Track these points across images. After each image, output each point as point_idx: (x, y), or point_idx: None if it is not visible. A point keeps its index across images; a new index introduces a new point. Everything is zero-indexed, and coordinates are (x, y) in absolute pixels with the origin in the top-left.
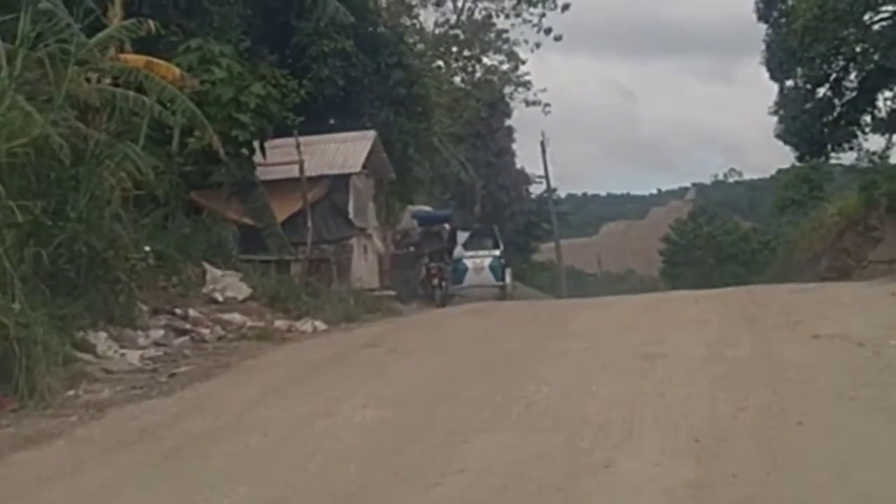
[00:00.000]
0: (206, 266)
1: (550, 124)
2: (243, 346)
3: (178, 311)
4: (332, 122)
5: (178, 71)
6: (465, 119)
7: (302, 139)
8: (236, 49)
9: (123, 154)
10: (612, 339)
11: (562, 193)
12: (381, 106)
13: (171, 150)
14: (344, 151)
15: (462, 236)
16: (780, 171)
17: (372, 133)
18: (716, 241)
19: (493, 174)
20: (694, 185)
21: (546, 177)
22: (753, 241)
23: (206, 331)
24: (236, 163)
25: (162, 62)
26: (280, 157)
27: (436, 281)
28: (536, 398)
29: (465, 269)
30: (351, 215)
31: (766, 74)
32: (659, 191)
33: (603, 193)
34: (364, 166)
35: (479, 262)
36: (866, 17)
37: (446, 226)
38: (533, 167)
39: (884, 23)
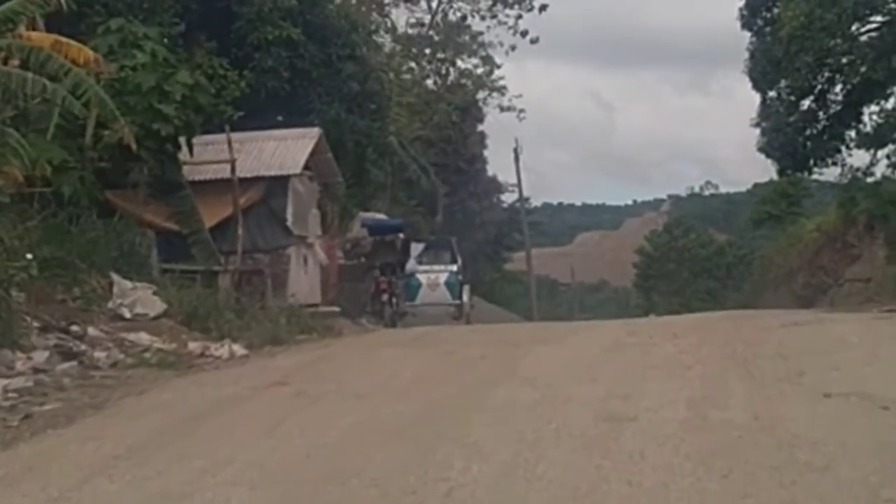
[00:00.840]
0: (114, 277)
1: (527, 132)
2: (137, 376)
3: (74, 328)
4: (278, 118)
5: (91, 54)
6: (434, 122)
7: (237, 136)
8: (168, 33)
9: (4, 143)
10: (571, 389)
11: (537, 202)
12: (332, 102)
13: (83, 143)
14: (283, 151)
15: (417, 248)
16: (756, 185)
17: (316, 131)
18: (690, 254)
19: (463, 181)
20: (670, 196)
21: (519, 185)
22: (729, 255)
23: (101, 354)
24: (158, 160)
25: (74, 43)
26: (213, 155)
27: (386, 297)
28: (463, 481)
29: (419, 285)
30: (289, 222)
31: (745, 86)
32: (634, 202)
33: (578, 203)
34: (307, 167)
35: (434, 277)
36: (854, 27)
37: (401, 235)
38: (506, 175)
39: (872, 34)
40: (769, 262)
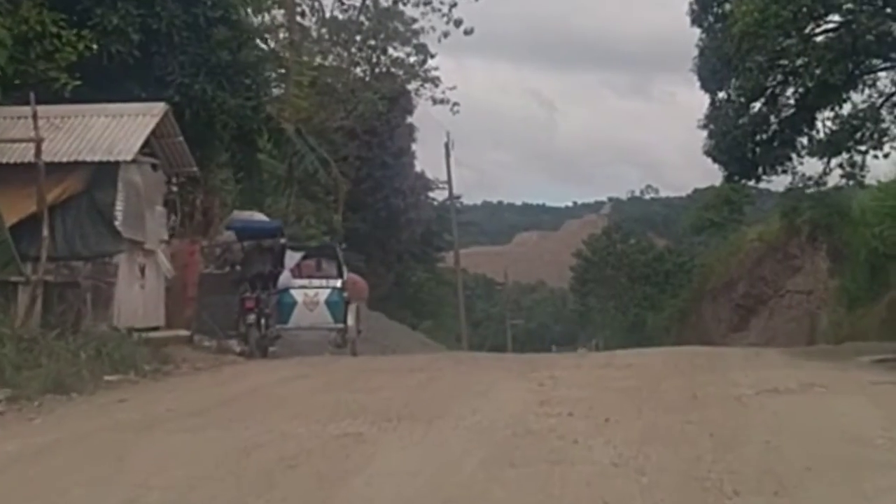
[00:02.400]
0: None
1: (467, 130)
2: None
3: None
4: (134, 92)
5: None
6: (359, 112)
7: (58, 108)
8: None
9: None
10: None
11: (476, 200)
12: (197, 74)
13: None
14: (116, 130)
15: (293, 257)
16: (696, 191)
17: (160, 106)
18: (629, 259)
19: (389, 176)
20: (610, 199)
21: (449, 182)
22: (668, 262)
23: None
24: None
25: None
26: (22, 133)
27: (252, 317)
28: None
29: (293, 303)
30: (118, 222)
31: (687, 91)
32: (575, 203)
33: (518, 203)
34: (151, 153)
35: (312, 294)
36: (809, 27)
37: (283, 241)
38: (440, 172)
39: (829, 34)
40: (709, 270)
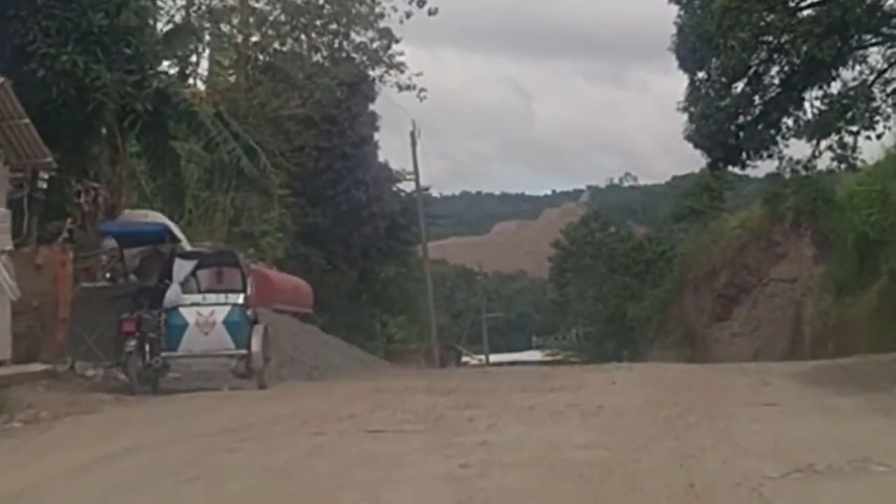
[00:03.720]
0: None
1: (446, 121)
2: None
3: None
4: None
5: None
6: (316, 100)
7: None
8: None
9: None
10: None
11: (456, 191)
12: (66, 42)
13: None
14: None
15: (183, 267)
16: (675, 178)
17: None
18: (608, 249)
19: (350, 167)
20: (589, 187)
21: (416, 172)
22: (648, 251)
23: None
24: None
25: None
26: None
27: (132, 343)
28: None
29: (183, 324)
30: None
31: (661, 79)
32: (554, 192)
33: (497, 192)
34: None
35: (207, 313)
36: (794, 1)
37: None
38: (410, 162)
39: (816, 8)
40: (690, 259)
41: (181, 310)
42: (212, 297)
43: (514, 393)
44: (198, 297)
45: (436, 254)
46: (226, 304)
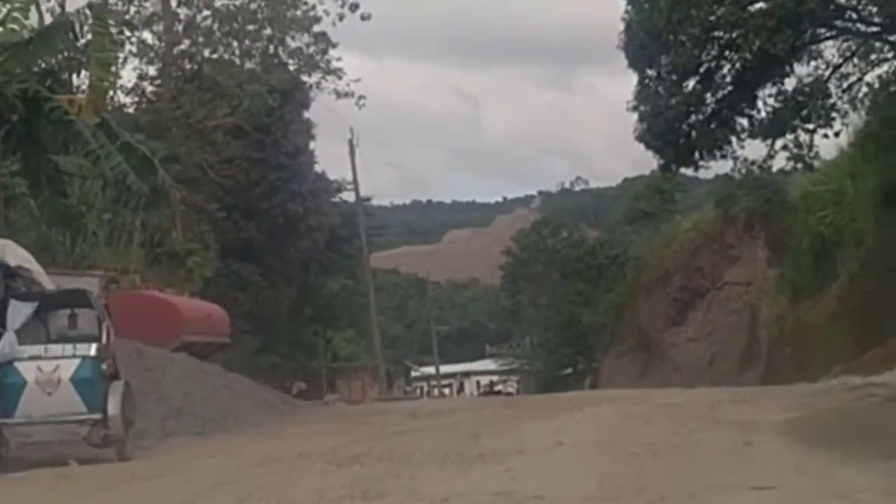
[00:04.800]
0: None
1: (394, 130)
2: None
3: None
4: None
5: None
6: (245, 108)
7: None
8: None
9: None
10: None
11: (406, 200)
12: None
13: None
14: None
15: (20, 310)
16: (626, 181)
17: None
18: (560, 255)
19: (285, 179)
20: (540, 193)
21: (355, 182)
22: (600, 255)
23: None
24: None
25: None
26: None
27: None
28: None
29: (20, 383)
30: None
31: (607, 82)
32: (505, 198)
33: (448, 201)
34: None
35: (50, 369)
36: None
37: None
38: (349, 172)
39: (768, 2)
40: (643, 263)
41: (17, 365)
42: (56, 349)
43: (431, 469)
44: (39, 349)
45: (387, 263)
46: (74, 356)
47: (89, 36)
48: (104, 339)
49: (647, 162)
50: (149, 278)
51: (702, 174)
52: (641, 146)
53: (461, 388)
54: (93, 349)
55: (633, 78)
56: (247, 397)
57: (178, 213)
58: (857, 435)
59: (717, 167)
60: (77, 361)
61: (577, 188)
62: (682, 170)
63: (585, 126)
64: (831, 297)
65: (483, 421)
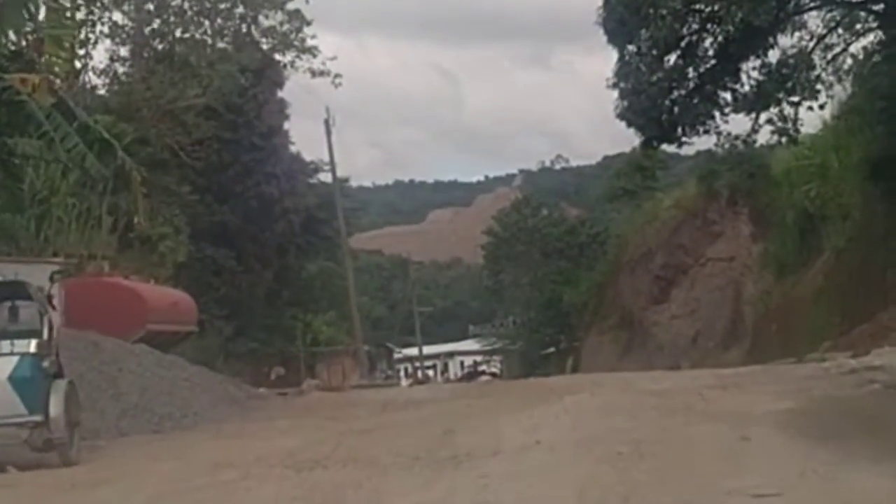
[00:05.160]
0: None
1: (374, 110)
2: None
3: None
4: None
5: None
6: (216, 88)
7: None
8: None
9: None
10: None
11: (389, 180)
12: None
13: None
14: None
15: None
16: (606, 158)
17: None
18: (541, 233)
19: (259, 160)
20: (521, 171)
21: (332, 162)
22: (582, 234)
23: None
24: None
25: None
26: None
27: None
28: None
29: None
30: None
31: (586, 61)
32: (486, 177)
33: (430, 180)
34: None
35: None
36: None
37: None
38: (329, 153)
39: None
40: (624, 241)
41: None
42: None
43: (398, 475)
44: None
45: (371, 244)
46: (12, 354)
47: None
48: (45, 335)
49: (627, 139)
50: (119, 264)
51: (683, 150)
52: (622, 124)
53: (445, 369)
54: (33, 345)
55: (613, 54)
56: (208, 391)
57: (140, 196)
58: (860, 429)
59: (699, 143)
60: (15, 359)
61: (558, 167)
62: (665, 146)
63: (565, 104)
64: (817, 273)
65: (457, 414)
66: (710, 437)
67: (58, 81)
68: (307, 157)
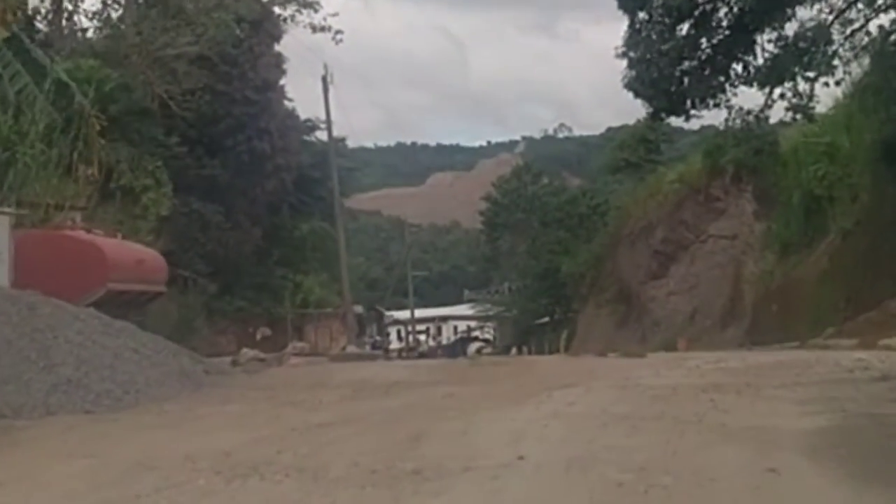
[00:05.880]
0: None
1: (380, 71)
2: None
3: None
4: None
5: None
6: (210, 36)
7: None
8: None
9: None
10: None
11: (391, 142)
12: None
13: None
14: None
15: None
16: (610, 129)
17: None
18: (541, 202)
19: (252, 114)
20: (524, 138)
21: (328, 120)
22: (582, 204)
23: None
24: None
25: None
26: None
27: None
28: None
29: None
30: None
31: (592, 29)
32: (489, 143)
33: (432, 143)
34: None
35: None
36: None
37: None
38: (334, 111)
39: None
40: (625, 213)
41: None
42: None
43: (346, 494)
44: None
45: (370, 205)
46: None
47: None
48: None
49: (632, 111)
50: (95, 216)
51: (687, 125)
52: (628, 95)
53: (439, 333)
54: None
55: (623, 22)
56: (159, 365)
57: (97, 144)
58: None
59: (708, 117)
60: None
61: (561, 135)
62: (672, 119)
63: (570, 73)
64: (821, 255)
65: (432, 408)
66: (729, 466)
67: (10, 16)
68: (308, 115)
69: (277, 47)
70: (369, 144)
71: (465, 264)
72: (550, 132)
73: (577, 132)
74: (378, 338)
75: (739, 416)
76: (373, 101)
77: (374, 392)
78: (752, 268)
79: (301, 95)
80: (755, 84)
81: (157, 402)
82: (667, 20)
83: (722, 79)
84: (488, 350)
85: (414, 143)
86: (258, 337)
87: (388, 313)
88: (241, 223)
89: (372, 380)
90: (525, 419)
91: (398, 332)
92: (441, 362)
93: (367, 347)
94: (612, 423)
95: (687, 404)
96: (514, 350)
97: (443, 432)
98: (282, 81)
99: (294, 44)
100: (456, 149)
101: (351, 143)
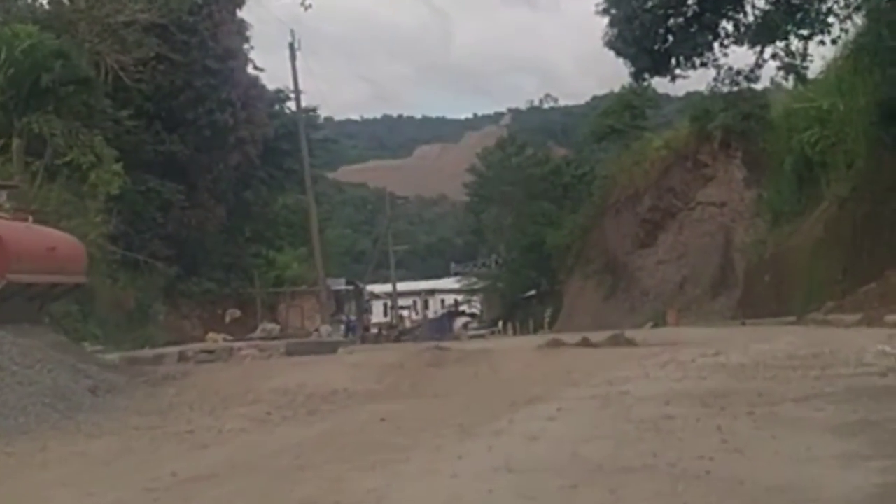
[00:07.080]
0: None
1: (364, 42)
2: None
3: None
4: None
5: None
6: (163, 2)
7: None
8: None
9: None
10: None
11: (377, 114)
12: None
13: None
14: None
15: None
16: (595, 98)
17: None
18: (526, 173)
19: (213, 85)
20: (510, 110)
21: (296, 90)
22: (567, 174)
23: None
24: None
25: None
26: None
27: None
28: None
29: None
30: None
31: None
32: (475, 115)
33: (418, 115)
34: None
35: None
36: None
37: None
38: (308, 82)
39: None
40: (611, 182)
41: None
42: None
43: None
44: None
45: (356, 177)
46: None
47: None
48: None
49: (616, 79)
50: (39, 195)
51: (673, 91)
52: (612, 63)
53: (426, 306)
54: None
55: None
56: (23, 384)
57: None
58: None
59: (695, 79)
60: None
61: (546, 106)
62: (656, 81)
63: (554, 43)
64: (816, 223)
65: (356, 444)
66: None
67: None
68: (286, 88)
69: (240, 14)
70: (356, 117)
71: (452, 236)
72: (536, 103)
73: (562, 102)
74: (353, 318)
75: (761, 464)
76: (359, 73)
77: (297, 411)
78: (743, 236)
79: (278, 67)
80: (745, 42)
81: (10, 435)
82: None
83: (709, 36)
84: (474, 325)
85: (400, 116)
86: (227, 319)
87: (368, 288)
88: (203, 201)
89: (305, 387)
90: (468, 473)
91: (384, 305)
92: (401, 357)
93: (342, 328)
94: (583, 483)
95: (686, 437)
96: (499, 325)
97: (351, 495)
98: (245, 47)
99: (267, 16)
100: (442, 121)
101: (337, 116)
